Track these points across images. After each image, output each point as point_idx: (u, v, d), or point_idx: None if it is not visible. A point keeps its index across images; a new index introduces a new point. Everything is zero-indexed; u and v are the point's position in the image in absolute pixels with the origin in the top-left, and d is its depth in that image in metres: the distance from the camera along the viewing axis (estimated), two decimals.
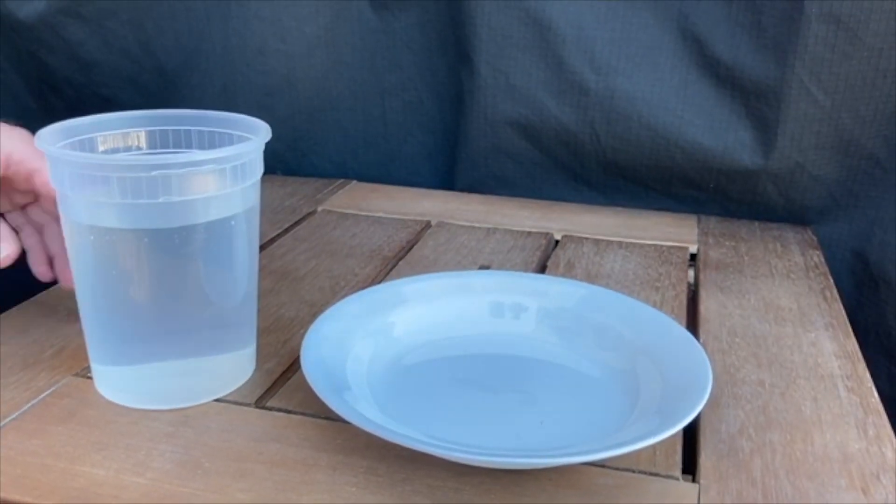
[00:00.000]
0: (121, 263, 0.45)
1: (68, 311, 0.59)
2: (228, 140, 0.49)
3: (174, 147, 0.50)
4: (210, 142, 0.50)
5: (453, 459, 0.41)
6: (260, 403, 0.49)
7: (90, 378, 0.51)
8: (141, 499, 0.40)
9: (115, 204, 0.43)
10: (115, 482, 0.42)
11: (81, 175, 0.43)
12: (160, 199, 0.42)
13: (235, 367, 0.51)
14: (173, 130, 0.50)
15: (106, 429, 0.46)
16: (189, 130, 0.50)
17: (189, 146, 0.50)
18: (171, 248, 0.44)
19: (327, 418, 0.46)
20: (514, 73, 0.81)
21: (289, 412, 0.48)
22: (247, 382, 0.51)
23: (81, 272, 0.46)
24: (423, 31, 0.84)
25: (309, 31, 0.83)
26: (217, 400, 0.49)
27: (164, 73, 0.89)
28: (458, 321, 0.53)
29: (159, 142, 0.50)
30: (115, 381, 0.49)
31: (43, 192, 0.51)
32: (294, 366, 0.52)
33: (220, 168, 0.43)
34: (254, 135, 0.47)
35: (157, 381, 0.48)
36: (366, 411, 0.44)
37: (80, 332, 0.49)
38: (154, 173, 0.42)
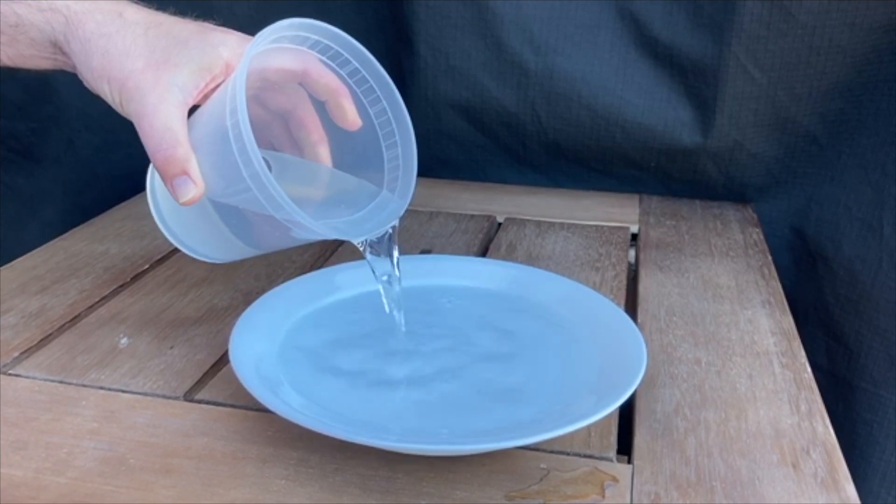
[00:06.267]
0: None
1: None
2: (383, 112, 0.51)
3: (340, 67, 0.50)
4: (366, 94, 0.51)
5: (385, 448, 0.40)
6: (189, 396, 0.48)
7: (11, 375, 0.49)
8: (60, 499, 0.39)
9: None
10: (33, 483, 0.40)
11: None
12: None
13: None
14: (369, 86, 0.50)
15: (26, 427, 0.44)
16: (363, 75, 0.50)
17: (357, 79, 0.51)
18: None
19: (258, 410, 0.45)
20: (454, 53, 0.80)
21: (218, 404, 0.47)
22: (175, 375, 0.50)
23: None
24: (359, 10, 0.83)
25: (239, 12, 0.81)
26: (144, 394, 0.48)
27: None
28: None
29: (353, 77, 0.50)
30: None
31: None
32: (225, 357, 0.51)
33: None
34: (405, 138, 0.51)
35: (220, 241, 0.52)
36: (295, 402, 0.43)
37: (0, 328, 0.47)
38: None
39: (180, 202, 0.45)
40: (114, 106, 0.47)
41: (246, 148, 0.42)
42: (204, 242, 0.54)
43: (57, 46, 0.48)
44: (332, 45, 0.49)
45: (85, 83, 0.49)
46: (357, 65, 0.50)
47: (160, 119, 0.44)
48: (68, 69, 0.51)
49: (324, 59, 0.49)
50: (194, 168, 0.45)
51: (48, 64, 0.50)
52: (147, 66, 0.45)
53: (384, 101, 0.51)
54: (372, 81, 0.50)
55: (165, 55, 0.46)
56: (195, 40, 0.46)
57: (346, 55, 0.50)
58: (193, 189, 0.45)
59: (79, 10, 0.47)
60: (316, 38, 0.48)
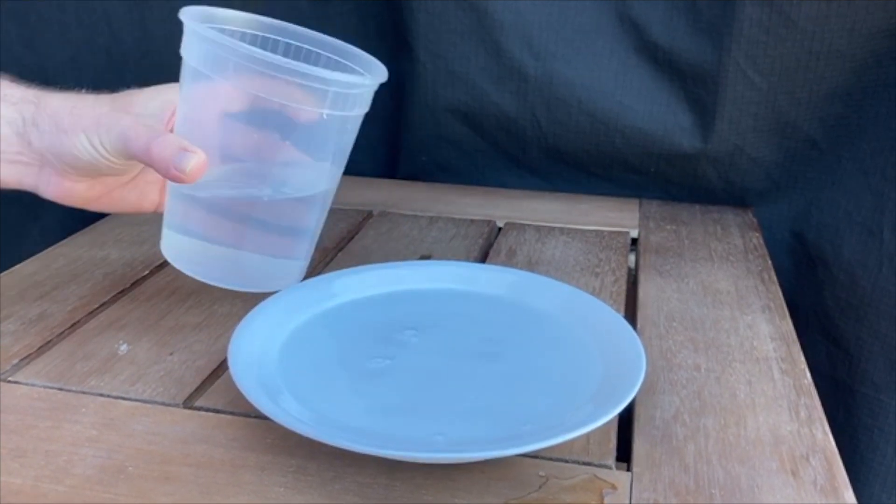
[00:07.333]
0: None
1: None
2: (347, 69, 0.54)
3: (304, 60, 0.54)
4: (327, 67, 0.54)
5: (383, 456, 0.40)
6: (188, 403, 0.48)
7: (10, 382, 0.49)
8: None
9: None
10: (32, 491, 0.40)
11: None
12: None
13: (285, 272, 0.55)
14: (305, 50, 0.55)
15: (25, 434, 0.44)
16: (319, 54, 0.55)
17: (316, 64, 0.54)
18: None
19: (257, 417, 0.45)
20: (454, 59, 0.81)
21: (218, 412, 0.47)
22: (175, 382, 0.49)
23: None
24: (359, 16, 0.83)
25: None
26: (143, 401, 0.48)
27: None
28: (389, 313, 0.53)
29: (288, 54, 0.54)
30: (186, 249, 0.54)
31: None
32: (224, 364, 0.51)
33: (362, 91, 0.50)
34: (370, 70, 0.53)
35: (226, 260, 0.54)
36: (293, 409, 0.43)
37: None
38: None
39: (188, 173, 0.47)
40: (96, 151, 0.50)
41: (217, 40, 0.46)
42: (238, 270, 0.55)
43: (24, 138, 0.51)
44: (259, 32, 0.54)
45: (56, 158, 0.51)
46: (287, 39, 0.54)
47: (141, 125, 0.49)
48: (23, 185, 0.53)
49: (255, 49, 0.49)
50: (188, 142, 0.48)
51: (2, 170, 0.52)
52: (114, 109, 0.51)
53: (319, 50, 0.55)
54: (296, 41, 0.55)
55: (128, 102, 0.52)
56: (148, 89, 0.53)
57: (273, 36, 0.54)
58: (195, 157, 0.47)
59: (44, 94, 0.52)
60: (241, 30, 0.53)
